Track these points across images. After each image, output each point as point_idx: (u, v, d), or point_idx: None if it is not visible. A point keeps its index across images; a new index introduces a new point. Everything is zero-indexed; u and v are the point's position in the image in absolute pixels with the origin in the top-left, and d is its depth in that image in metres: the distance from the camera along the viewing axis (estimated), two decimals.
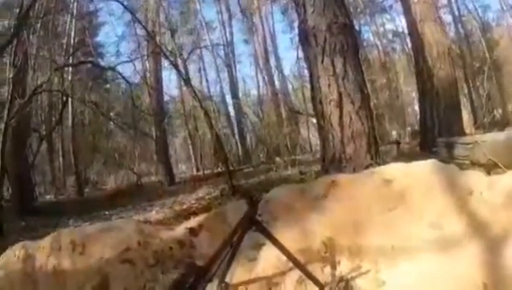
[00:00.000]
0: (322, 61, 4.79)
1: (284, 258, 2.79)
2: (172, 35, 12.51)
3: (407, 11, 10.33)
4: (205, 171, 17.97)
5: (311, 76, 5.06)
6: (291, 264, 2.80)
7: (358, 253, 2.95)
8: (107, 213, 10.56)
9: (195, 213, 6.74)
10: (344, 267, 2.90)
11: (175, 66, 11.77)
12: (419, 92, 10.03)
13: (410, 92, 24.53)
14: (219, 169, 16.18)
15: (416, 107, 24.21)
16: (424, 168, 3.39)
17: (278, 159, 12.61)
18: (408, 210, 3.09)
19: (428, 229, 2.89)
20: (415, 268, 2.66)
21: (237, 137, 22.30)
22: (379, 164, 4.43)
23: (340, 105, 4.70)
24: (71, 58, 16.79)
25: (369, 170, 3.99)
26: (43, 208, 13.03)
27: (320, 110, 4.89)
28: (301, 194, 3.63)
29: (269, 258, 3.02)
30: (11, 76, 11.32)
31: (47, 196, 17.75)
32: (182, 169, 24.19)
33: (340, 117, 4.68)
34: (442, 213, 2.95)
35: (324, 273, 2.87)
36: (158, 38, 16.39)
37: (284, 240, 2.62)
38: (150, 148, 20.25)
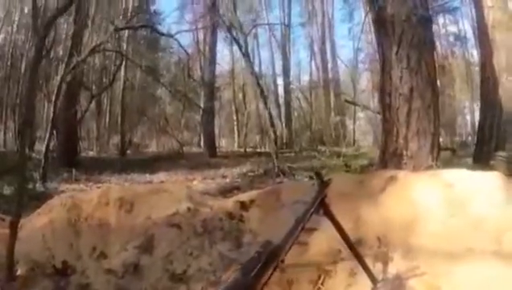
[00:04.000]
0: (397, 52, 4.58)
1: (336, 247, 2.73)
2: (235, 9, 12.47)
3: (479, 15, 9.73)
4: (247, 149, 18.05)
5: (382, 65, 4.87)
6: (342, 254, 2.73)
7: (412, 253, 2.85)
8: (148, 175, 10.82)
9: (238, 189, 6.77)
10: (396, 265, 2.81)
11: (236, 40, 11.72)
12: (481, 100, 9.49)
13: (463, 100, 23.57)
14: (262, 148, 16.21)
15: (468, 117, 23.33)
16: (488, 179, 3.23)
17: (321, 147, 12.46)
18: (468, 219, 2.94)
19: (488, 240, 2.75)
20: (471, 278, 2.55)
21: (283, 119, 21.92)
22: (439, 167, 4.27)
23: (409, 100, 4.51)
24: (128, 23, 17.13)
25: (429, 171, 3.85)
26: (85, 162, 13.54)
27: (388, 103, 4.70)
28: (359, 185, 3.55)
29: (320, 245, 2.97)
30: (71, 32, 11.71)
31: (90, 152, 18.39)
32: (222, 144, 24.30)
33: (409, 112, 4.50)
34: (503, 228, 2.81)
35: (374, 268, 2.77)
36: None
37: None
38: (195, 118, 20.49)
